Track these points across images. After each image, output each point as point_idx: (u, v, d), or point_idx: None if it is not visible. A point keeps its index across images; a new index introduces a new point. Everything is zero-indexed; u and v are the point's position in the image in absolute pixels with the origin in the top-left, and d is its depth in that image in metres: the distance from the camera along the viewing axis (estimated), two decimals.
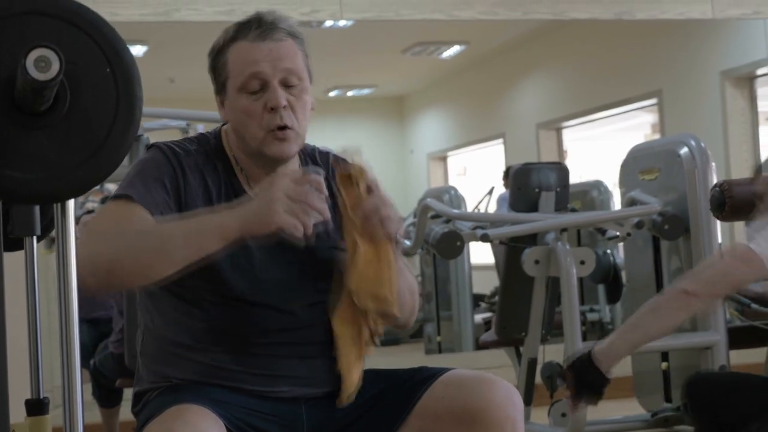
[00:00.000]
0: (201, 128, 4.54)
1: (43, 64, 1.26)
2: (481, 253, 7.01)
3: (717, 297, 2.62)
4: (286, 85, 1.87)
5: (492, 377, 1.84)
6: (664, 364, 3.99)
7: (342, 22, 5.79)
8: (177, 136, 3.63)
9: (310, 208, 1.68)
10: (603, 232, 4.24)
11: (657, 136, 7.67)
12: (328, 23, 6.29)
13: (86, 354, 4.24)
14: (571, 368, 2.56)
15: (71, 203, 1.43)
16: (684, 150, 3.85)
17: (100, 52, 1.36)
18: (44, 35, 1.31)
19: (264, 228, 1.69)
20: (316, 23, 6.04)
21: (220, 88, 1.92)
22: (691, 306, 2.54)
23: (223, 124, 1.97)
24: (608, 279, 5.46)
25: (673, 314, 2.53)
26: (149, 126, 4.26)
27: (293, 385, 1.86)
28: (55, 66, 1.27)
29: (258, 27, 1.88)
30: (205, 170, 1.89)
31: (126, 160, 1.65)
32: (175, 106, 4.67)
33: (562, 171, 4.04)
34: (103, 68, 1.36)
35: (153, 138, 3.97)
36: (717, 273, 2.57)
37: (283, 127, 1.85)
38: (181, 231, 1.72)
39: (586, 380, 2.54)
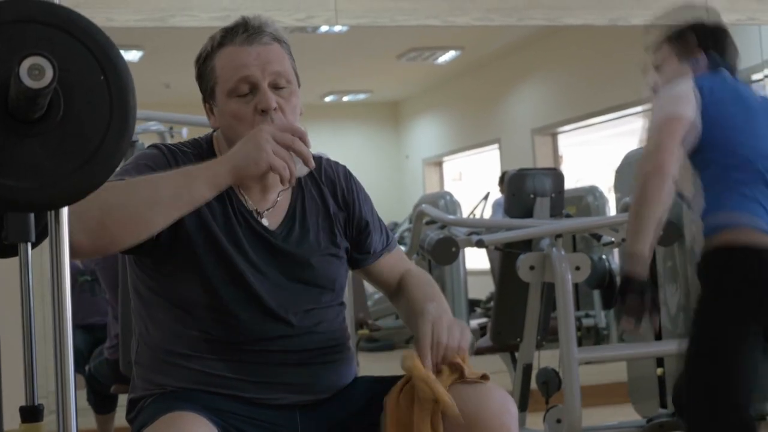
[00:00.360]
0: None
1: (36, 72, 1.26)
2: (476, 259, 7.02)
3: (674, 151, 2.61)
4: (276, 88, 1.87)
5: (487, 384, 1.83)
6: (659, 370, 3.98)
7: (337, 28, 5.79)
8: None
9: (295, 153, 1.72)
10: (598, 237, 4.23)
11: None
12: (323, 29, 6.29)
13: (81, 360, 4.22)
14: (623, 298, 2.59)
15: (65, 211, 1.42)
16: None
17: (93, 59, 1.35)
18: (38, 43, 1.31)
19: (254, 169, 1.72)
20: (311, 29, 6.04)
21: (209, 95, 1.92)
22: (666, 178, 2.56)
23: (214, 131, 1.97)
24: (603, 284, 5.46)
25: (657, 197, 2.57)
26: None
27: (288, 392, 1.86)
28: (49, 74, 1.26)
29: (245, 31, 1.88)
30: None
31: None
32: (170, 110, 4.66)
33: (557, 177, 4.05)
34: (97, 76, 1.36)
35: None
36: (657, 130, 2.62)
37: None
38: (171, 179, 1.73)
39: (638, 291, 2.58)
